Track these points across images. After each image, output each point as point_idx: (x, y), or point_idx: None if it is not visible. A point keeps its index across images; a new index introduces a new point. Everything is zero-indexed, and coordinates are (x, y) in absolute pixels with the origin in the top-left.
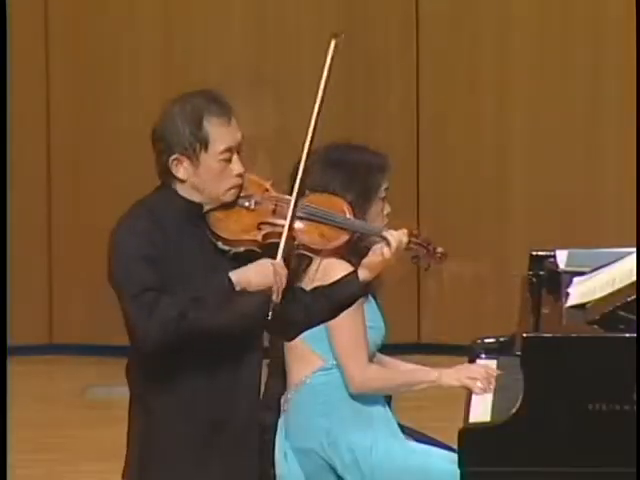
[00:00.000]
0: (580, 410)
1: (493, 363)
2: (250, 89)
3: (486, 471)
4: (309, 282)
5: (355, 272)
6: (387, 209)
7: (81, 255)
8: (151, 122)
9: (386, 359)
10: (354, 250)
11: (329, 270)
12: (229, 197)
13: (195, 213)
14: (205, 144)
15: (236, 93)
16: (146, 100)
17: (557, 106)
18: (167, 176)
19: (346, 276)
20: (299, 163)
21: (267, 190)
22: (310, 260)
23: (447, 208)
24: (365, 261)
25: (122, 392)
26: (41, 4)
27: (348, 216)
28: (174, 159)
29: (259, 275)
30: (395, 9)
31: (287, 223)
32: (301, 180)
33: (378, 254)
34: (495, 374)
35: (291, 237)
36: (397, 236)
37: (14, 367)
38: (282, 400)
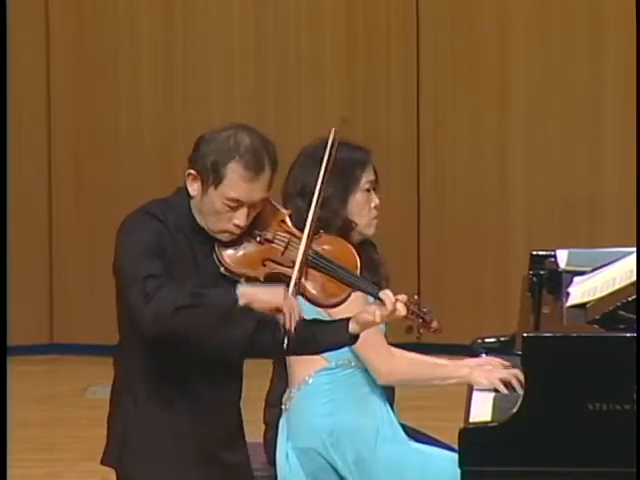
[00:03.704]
0: (580, 410)
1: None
2: (249, 90)
3: (486, 471)
4: None
5: (347, 320)
6: (375, 201)
7: (81, 255)
8: (151, 122)
9: (408, 355)
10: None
11: None
12: (221, 237)
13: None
14: (218, 183)
15: (236, 95)
16: (146, 101)
17: (557, 106)
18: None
19: (337, 322)
20: (295, 163)
21: (283, 221)
22: None
23: (447, 207)
24: (357, 317)
25: None
26: (41, 4)
27: (356, 271)
28: (190, 173)
29: (267, 292)
30: (395, 8)
31: (297, 266)
32: (311, 225)
33: (371, 313)
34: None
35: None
36: (395, 306)
37: (14, 367)
38: (284, 398)
